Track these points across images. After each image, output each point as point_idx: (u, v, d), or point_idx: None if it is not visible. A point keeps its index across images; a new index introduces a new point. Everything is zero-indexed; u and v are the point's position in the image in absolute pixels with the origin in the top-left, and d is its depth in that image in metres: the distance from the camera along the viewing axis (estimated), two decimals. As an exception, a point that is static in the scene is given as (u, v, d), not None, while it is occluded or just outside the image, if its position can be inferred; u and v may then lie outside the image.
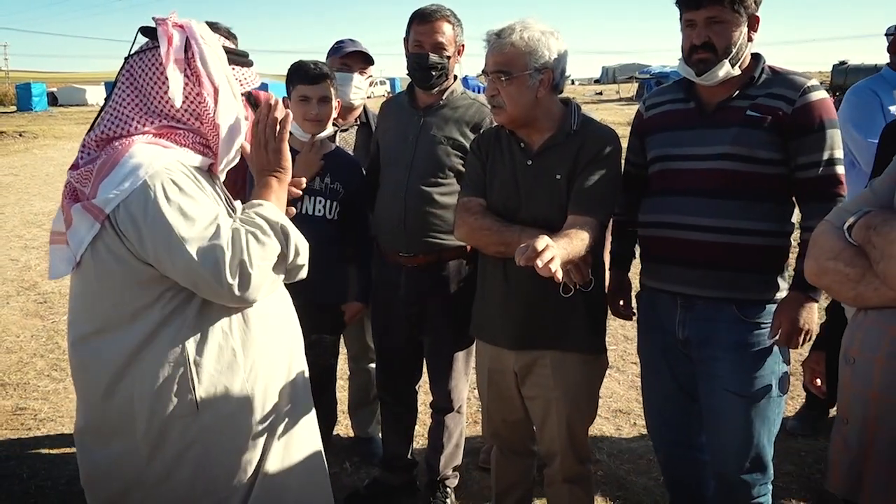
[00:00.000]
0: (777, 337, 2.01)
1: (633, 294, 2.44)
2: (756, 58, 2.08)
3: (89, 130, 1.64)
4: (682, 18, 2.06)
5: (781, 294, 2.06)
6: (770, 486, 2.18)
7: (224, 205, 1.72)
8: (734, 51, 1.99)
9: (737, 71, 2.02)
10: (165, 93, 1.58)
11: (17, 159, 15.40)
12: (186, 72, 1.59)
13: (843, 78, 23.91)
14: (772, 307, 2.05)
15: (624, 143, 2.19)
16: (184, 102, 1.60)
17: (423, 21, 2.53)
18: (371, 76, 3.09)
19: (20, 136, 20.11)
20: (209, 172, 1.72)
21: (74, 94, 44.76)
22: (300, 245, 1.68)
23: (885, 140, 1.93)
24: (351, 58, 3.01)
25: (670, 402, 2.29)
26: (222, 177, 1.77)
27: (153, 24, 1.61)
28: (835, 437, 1.47)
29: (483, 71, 2.11)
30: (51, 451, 3.33)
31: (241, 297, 1.55)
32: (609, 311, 2.38)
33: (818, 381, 2.03)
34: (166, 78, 1.56)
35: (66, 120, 27.74)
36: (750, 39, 2.02)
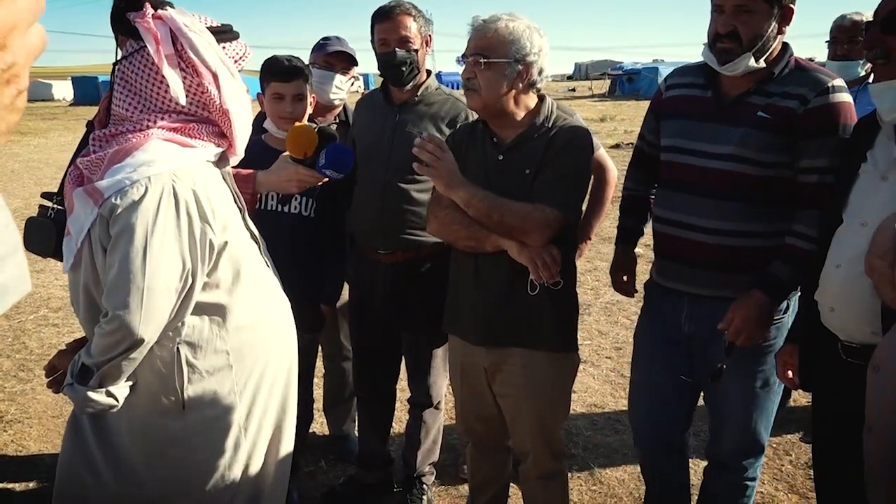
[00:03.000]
0: (727, 327, 2.00)
1: (642, 281, 2.41)
2: (784, 49, 1.99)
3: (94, 130, 1.61)
4: (712, 2, 1.97)
5: None
6: (761, 460, 2.28)
7: (235, 201, 1.72)
8: (760, 43, 1.90)
9: (761, 64, 1.93)
10: (167, 91, 1.53)
11: (-19, 156, 15.03)
12: (181, 65, 1.54)
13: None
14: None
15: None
16: (187, 97, 1.56)
17: (383, 18, 2.51)
18: (354, 77, 3.05)
19: (-16, 131, 19.62)
20: (222, 161, 1.70)
21: (41, 89, 43.79)
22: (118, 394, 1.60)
23: (857, 134, 1.95)
24: (334, 57, 2.97)
25: (659, 396, 2.31)
26: (235, 160, 1.75)
27: (130, 23, 1.54)
28: (864, 445, 1.47)
29: (462, 55, 2.09)
30: (18, 454, 3.26)
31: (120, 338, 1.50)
32: (622, 293, 2.42)
33: (790, 373, 2.06)
34: (163, 78, 1.51)
35: (32, 115, 27.15)
36: (780, 32, 1.93)
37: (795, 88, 1.93)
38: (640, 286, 2.43)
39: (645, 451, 2.47)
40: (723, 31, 1.92)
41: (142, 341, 1.48)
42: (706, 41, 2.01)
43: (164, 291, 1.49)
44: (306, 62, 2.73)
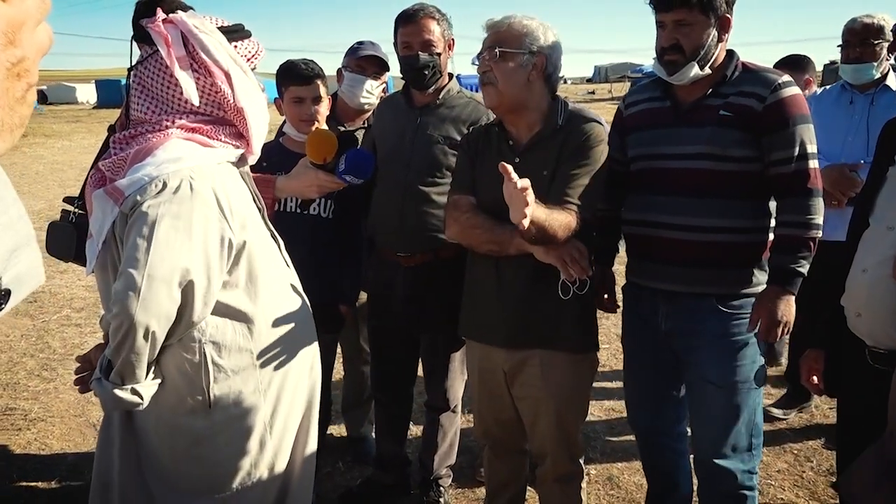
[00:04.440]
0: (756, 329, 2.06)
1: (619, 287, 2.46)
2: (730, 55, 2.11)
3: (113, 133, 1.63)
4: (655, 19, 2.09)
5: (761, 286, 2.10)
6: (756, 477, 2.22)
7: (254, 200, 1.73)
8: (702, 53, 2.02)
9: (707, 72, 2.05)
10: (181, 93, 1.55)
11: (6, 158, 15.06)
12: (193, 66, 1.56)
13: (833, 77, 24.07)
14: (751, 300, 2.10)
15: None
16: (201, 97, 1.58)
17: (407, 22, 2.51)
18: (385, 82, 3.05)
19: (9, 134, 19.94)
20: (241, 161, 1.71)
21: (65, 92, 44.44)
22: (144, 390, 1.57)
23: (885, 138, 1.93)
24: (367, 61, 2.95)
25: (650, 391, 2.36)
26: (253, 159, 1.76)
27: (144, 30, 1.57)
28: (875, 449, 1.45)
29: (478, 54, 2.11)
30: (41, 452, 3.30)
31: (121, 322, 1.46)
32: (605, 309, 2.41)
33: (815, 378, 2.04)
34: (177, 80, 1.53)
35: (56, 118, 27.56)
36: (721, 40, 2.06)
37: (749, 88, 2.04)
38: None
39: (640, 445, 2.52)
40: (667, 45, 2.05)
41: (135, 326, 1.43)
42: (654, 56, 2.14)
43: (165, 281, 1.45)
44: (321, 65, 2.74)
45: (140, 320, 1.43)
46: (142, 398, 1.54)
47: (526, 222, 1.72)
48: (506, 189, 1.73)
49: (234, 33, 1.66)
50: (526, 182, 1.71)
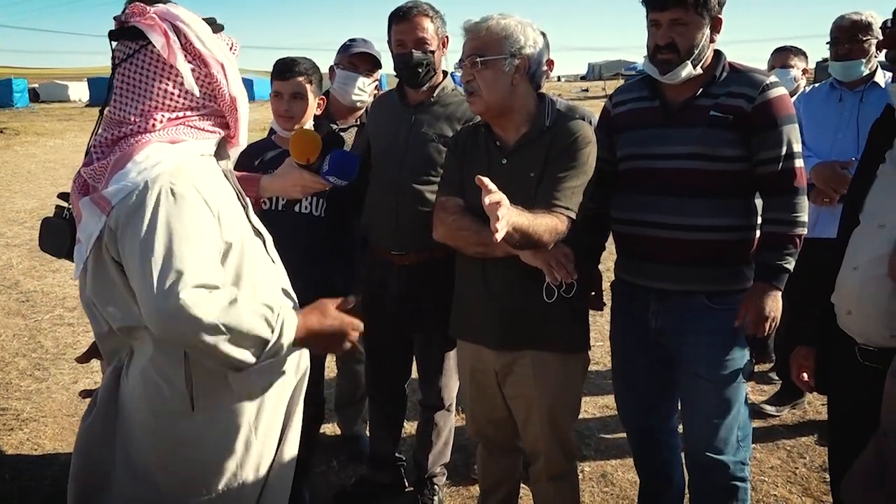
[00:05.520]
0: (743, 323, 2.09)
1: (608, 284, 2.47)
2: (717, 55, 2.14)
3: (92, 136, 1.61)
4: (648, 18, 2.10)
5: (749, 283, 2.14)
6: (748, 468, 2.25)
7: (238, 198, 1.71)
8: (696, 52, 2.05)
9: (699, 71, 2.08)
10: (174, 87, 1.53)
11: (-2, 156, 15.21)
12: (187, 58, 1.54)
13: (825, 74, 24.20)
14: (740, 296, 2.13)
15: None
16: (199, 89, 1.57)
17: (401, 20, 2.51)
18: (377, 80, 3.04)
19: (1, 132, 19.86)
20: (222, 154, 1.69)
21: (57, 91, 44.27)
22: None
23: (874, 135, 1.93)
24: (358, 58, 2.93)
25: (641, 388, 2.37)
26: (237, 151, 1.73)
27: (123, 25, 1.54)
28: (870, 448, 1.45)
29: (459, 60, 2.09)
30: (33, 452, 3.29)
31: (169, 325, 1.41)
32: (591, 307, 2.41)
33: (805, 375, 2.04)
34: (176, 73, 1.52)
35: (48, 116, 27.43)
36: (712, 41, 2.09)
37: (738, 88, 2.07)
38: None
39: (633, 443, 2.53)
40: (662, 44, 2.06)
41: (205, 325, 1.37)
42: (646, 55, 2.15)
43: (192, 251, 1.42)
44: (316, 62, 2.73)
45: (194, 281, 1.38)
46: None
47: (498, 236, 1.70)
48: (484, 201, 1.72)
49: (211, 26, 1.64)
50: (497, 196, 1.70)
